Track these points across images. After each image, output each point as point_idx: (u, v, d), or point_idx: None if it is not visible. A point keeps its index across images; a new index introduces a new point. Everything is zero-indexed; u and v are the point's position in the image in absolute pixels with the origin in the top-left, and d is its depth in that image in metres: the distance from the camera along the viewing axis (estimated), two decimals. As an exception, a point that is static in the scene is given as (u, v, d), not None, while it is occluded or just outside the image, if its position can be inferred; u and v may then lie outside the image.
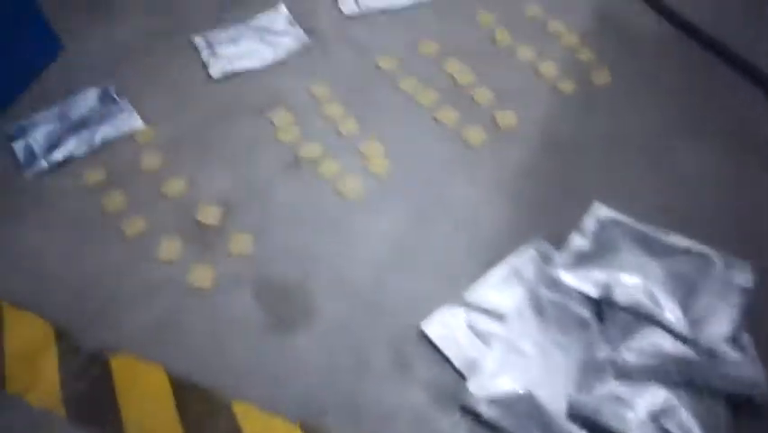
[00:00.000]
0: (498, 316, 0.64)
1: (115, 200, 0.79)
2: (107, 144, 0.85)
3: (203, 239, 0.75)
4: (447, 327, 0.64)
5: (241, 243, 0.74)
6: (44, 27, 0.95)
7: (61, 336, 0.68)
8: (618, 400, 0.57)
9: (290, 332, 0.67)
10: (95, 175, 0.81)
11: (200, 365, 0.65)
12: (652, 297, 0.62)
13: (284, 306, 0.69)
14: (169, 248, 0.74)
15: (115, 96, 0.91)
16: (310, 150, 0.82)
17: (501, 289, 0.66)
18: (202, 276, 0.71)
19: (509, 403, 0.58)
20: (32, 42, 0.94)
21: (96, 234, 0.76)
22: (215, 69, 0.92)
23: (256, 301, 0.69)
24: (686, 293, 0.62)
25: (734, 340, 0.60)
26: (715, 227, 0.70)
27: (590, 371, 0.59)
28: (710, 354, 0.59)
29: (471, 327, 0.63)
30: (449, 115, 0.84)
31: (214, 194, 0.79)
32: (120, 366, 0.66)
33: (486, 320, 0.64)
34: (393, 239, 0.73)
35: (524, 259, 0.68)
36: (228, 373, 0.65)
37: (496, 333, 0.63)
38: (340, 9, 1.00)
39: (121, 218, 0.77)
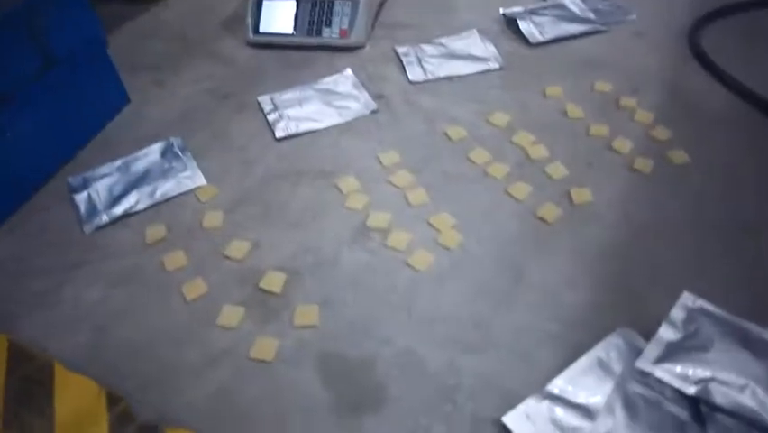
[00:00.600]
0: (585, 411, 0.59)
1: (176, 258, 0.77)
2: (169, 200, 0.84)
3: (265, 307, 0.72)
4: (531, 421, 0.59)
5: (305, 314, 0.70)
6: (114, 80, 0.97)
7: (115, 402, 0.64)
8: None
9: (356, 414, 0.62)
10: (155, 231, 0.79)
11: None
12: (758, 400, 0.57)
13: (349, 384, 0.64)
14: (231, 315, 0.71)
15: (179, 151, 0.90)
16: (379, 219, 0.79)
17: (587, 381, 0.61)
18: (264, 347, 0.68)
19: None
20: (101, 95, 0.95)
21: (155, 294, 0.74)
22: (280, 130, 0.92)
23: (320, 378, 0.65)
24: (796, 397, 0.57)
25: None
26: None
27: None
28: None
29: (556, 423, 0.58)
30: (522, 189, 0.81)
31: (277, 260, 0.76)
32: (175, 441, 0.62)
33: (572, 416, 0.59)
34: (467, 318, 0.69)
35: (610, 349, 0.64)
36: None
37: (583, 429, 0.58)
38: (407, 75, 1.00)
39: (181, 279, 0.75)
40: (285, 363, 0.67)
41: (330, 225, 0.80)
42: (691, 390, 0.59)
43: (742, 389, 0.58)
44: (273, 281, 0.74)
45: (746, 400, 0.57)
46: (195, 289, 0.74)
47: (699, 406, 0.59)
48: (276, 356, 0.67)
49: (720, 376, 0.59)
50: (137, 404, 0.64)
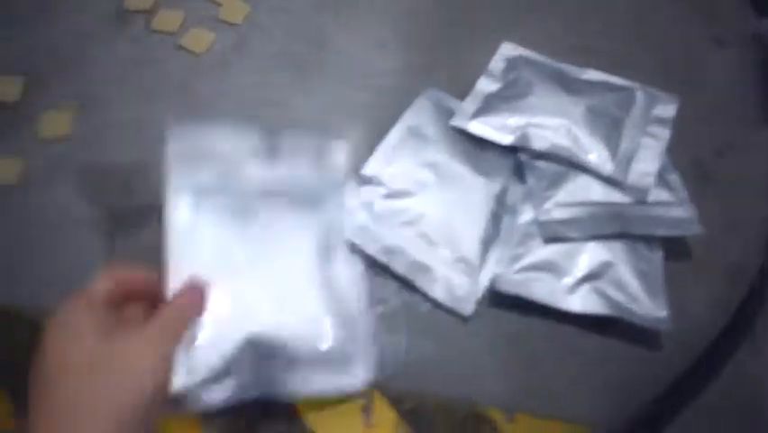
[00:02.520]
0: (404, 189, 0.51)
1: None
2: None
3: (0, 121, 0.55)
4: (353, 216, 0.50)
5: (54, 123, 0.55)
6: None
7: None
8: (549, 268, 0.48)
9: (132, 229, 0.51)
10: None
11: (9, 281, 0.49)
12: (573, 138, 0.53)
13: (120, 196, 0.52)
14: (-50, 138, 0.54)
15: None
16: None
17: (403, 154, 0.53)
18: (4, 169, 0.53)
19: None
20: None
21: None
22: None
23: (84, 196, 0.52)
24: (609, 131, 0.53)
25: (663, 179, 0.53)
26: (632, 62, 0.61)
27: (515, 239, 0.50)
28: (640, 195, 0.51)
29: (378, 208, 0.51)
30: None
31: (7, 62, 0.58)
32: None
33: (393, 198, 0.51)
34: (262, 100, 0.58)
35: (420, 114, 0.56)
36: (49, 287, 0.49)
37: (409, 208, 0.50)
38: None
39: None
40: (34, 186, 0.53)
41: (75, 14, 0.61)
42: (509, 139, 0.54)
43: (558, 129, 0.53)
44: (5, 89, 0.56)
45: (562, 139, 0.53)
46: None
47: (519, 161, 0.54)
48: (21, 179, 0.53)
49: (537, 120, 0.54)
50: None
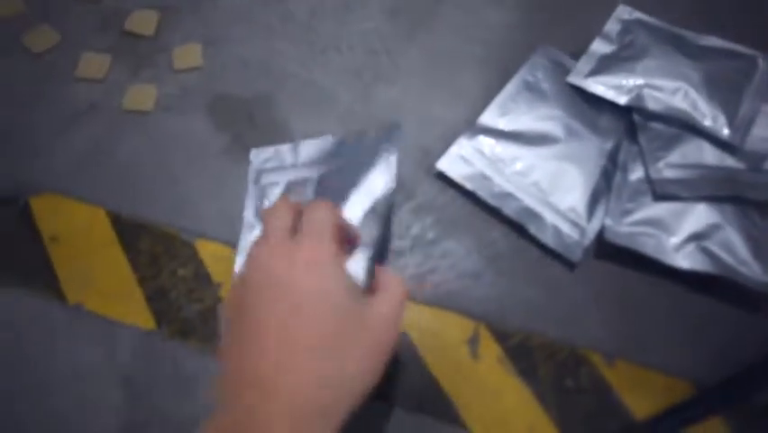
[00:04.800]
0: (521, 138, 0.53)
1: (10, 4, 0.61)
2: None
3: (136, 53, 0.59)
4: (466, 162, 0.52)
5: (186, 55, 0.58)
6: None
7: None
8: (657, 224, 0.49)
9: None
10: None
11: (147, 201, 0.53)
12: (690, 101, 0.53)
13: (245, 123, 0.55)
14: (93, 64, 0.57)
15: None
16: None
17: (518, 107, 0.54)
18: (140, 96, 0.56)
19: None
20: None
21: (-9, 50, 0.59)
22: None
23: (212, 123, 0.55)
24: (728, 97, 0.53)
25: (780, 148, 0.52)
26: (755, 33, 0.60)
27: (625, 194, 0.51)
28: (757, 161, 0.51)
29: (494, 157, 0.52)
30: None
31: (145, -3, 0.62)
32: (44, 207, 0.53)
33: (510, 146, 0.52)
34: (378, 45, 0.59)
35: (536, 70, 0.57)
36: (183, 207, 0.52)
37: (523, 156, 0.52)
38: None
39: (21, 28, 0.60)
40: (167, 111, 0.56)
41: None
42: (624, 99, 0.54)
43: (674, 92, 0.53)
44: (143, 22, 0.60)
45: (678, 102, 0.53)
46: (42, 38, 0.59)
47: (633, 120, 0.54)
48: (156, 105, 0.56)
49: (653, 82, 0.54)
50: (-8, 174, 0.54)
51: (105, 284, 0.50)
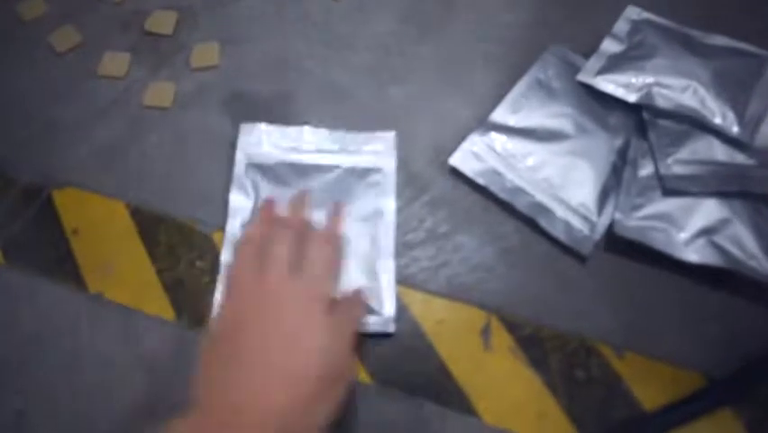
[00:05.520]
0: (533, 134, 0.54)
1: (33, 6, 0.63)
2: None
3: (156, 52, 0.61)
4: (478, 158, 0.53)
5: (204, 54, 0.60)
6: None
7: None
8: (667, 219, 0.50)
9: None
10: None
11: (166, 194, 0.54)
12: (699, 99, 0.54)
13: (265, 117, 0.56)
14: (114, 62, 0.59)
15: None
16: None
17: (530, 104, 0.56)
18: (159, 93, 0.58)
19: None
20: None
21: (14, 51, 0.61)
22: None
23: (229, 117, 0.57)
24: (737, 95, 0.54)
25: (789, 144, 0.53)
26: (762, 35, 0.61)
27: (635, 190, 0.52)
28: (766, 158, 0.52)
29: (506, 153, 0.53)
30: None
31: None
32: (66, 200, 0.54)
33: (522, 142, 0.53)
34: (393, 45, 0.61)
35: (547, 68, 0.58)
36: (201, 200, 0.54)
37: (536, 152, 0.53)
38: None
39: (46, 29, 0.62)
40: (186, 107, 0.58)
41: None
42: (633, 97, 0.55)
43: (684, 90, 0.54)
44: (162, 22, 0.62)
45: (688, 99, 0.54)
46: (66, 38, 0.61)
47: (642, 117, 0.55)
48: (174, 102, 0.58)
49: (663, 81, 0.55)
50: (15, 168, 0.55)
51: (125, 275, 0.51)
